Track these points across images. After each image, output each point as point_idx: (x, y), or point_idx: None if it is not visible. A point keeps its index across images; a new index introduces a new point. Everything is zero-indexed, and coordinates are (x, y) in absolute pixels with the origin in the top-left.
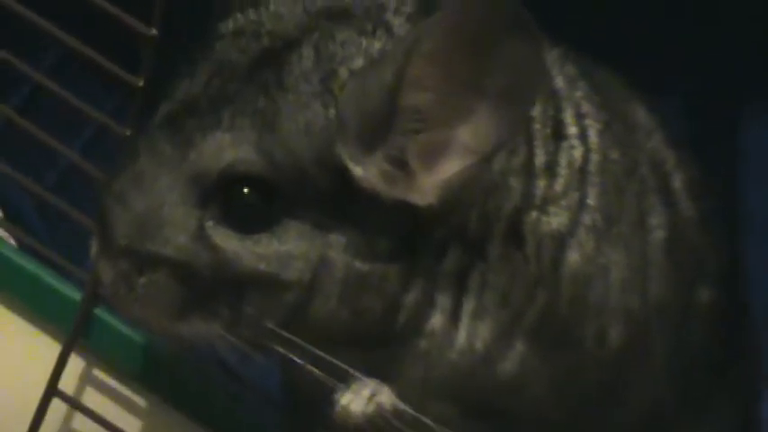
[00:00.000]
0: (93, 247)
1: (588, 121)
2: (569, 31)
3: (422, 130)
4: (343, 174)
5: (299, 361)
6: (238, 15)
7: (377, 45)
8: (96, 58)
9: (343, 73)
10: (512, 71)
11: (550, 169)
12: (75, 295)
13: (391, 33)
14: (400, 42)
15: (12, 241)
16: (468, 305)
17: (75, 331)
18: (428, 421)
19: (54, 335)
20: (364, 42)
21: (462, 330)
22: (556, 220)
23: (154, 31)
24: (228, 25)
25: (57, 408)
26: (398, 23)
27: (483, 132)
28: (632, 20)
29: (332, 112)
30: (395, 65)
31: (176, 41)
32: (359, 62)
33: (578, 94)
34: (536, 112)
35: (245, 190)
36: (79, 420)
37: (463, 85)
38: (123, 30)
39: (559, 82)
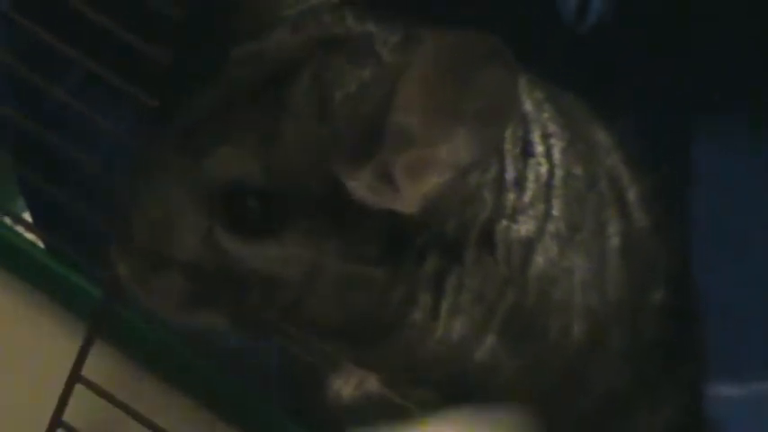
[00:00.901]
0: (113, 249)
1: (553, 141)
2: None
3: (407, 149)
4: (336, 187)
5: (295, 350)
6: (243, 43)
7: (368, 72)
8: (114, 80)
9: (337, 96)
10: (489, 96)
11: (519, 184)
12: (97, 291)
13: (380, 62)
14: (389, 70)
15: (40, 244)
16: (446, 304)
17: (96, 324)
18: (409, 405)
19: (77, 327)
20: (356, 70)
21: (440, 326)
22: (524, 228)
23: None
24: (234, 52)
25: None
26: (386, 53)
27: (462, 150)
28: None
29: (327, 131)
30: (384, 90)
31: (187, 65)
32: (352, 87)
33: (545, 116)
34: (507, 133)
35: (249, 199)
36: (101, 406)
37: (445, 108)
38: (139, 55)
39: (528, 105)
